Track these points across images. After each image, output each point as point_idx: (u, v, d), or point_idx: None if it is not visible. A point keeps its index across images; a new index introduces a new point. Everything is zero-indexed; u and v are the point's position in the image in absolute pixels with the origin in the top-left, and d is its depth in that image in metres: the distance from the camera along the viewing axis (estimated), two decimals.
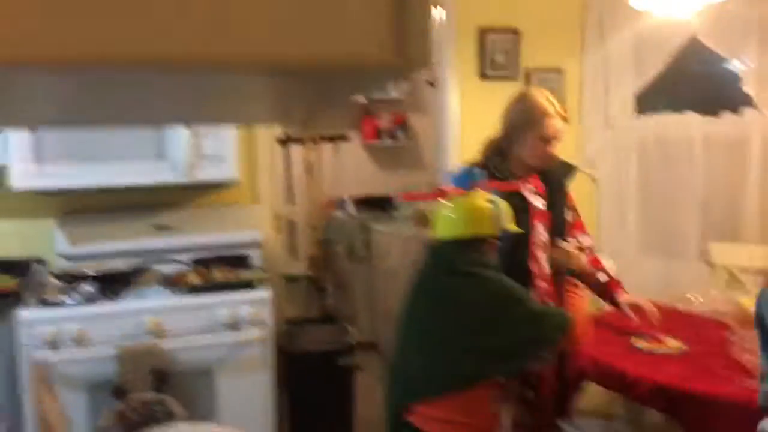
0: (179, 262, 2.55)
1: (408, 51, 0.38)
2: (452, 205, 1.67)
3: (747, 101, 2.65)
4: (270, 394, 2.29)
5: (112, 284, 2.33)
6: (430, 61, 0.39)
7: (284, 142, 4.86)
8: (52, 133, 2.30)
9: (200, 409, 2.18)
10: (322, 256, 4.70)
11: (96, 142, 2.36)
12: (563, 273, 2.04)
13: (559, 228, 2.14)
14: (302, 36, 0.37)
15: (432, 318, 1.64)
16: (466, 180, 1.73)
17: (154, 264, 2.58)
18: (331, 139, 5.08)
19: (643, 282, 3.06)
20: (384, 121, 5.06)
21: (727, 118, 2.76)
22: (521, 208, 2.02)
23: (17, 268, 2.44)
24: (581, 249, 2.19)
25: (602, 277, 2.14)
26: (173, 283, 2.33)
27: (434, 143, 3.41)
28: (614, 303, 2.11)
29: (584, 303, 1.92)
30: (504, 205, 1.68)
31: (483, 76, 3.15)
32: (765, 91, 2.57)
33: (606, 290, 2.13)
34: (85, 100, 0.51)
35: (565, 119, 2.09)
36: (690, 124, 2.90)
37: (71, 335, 2.07)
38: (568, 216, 2.18)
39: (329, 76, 0.44)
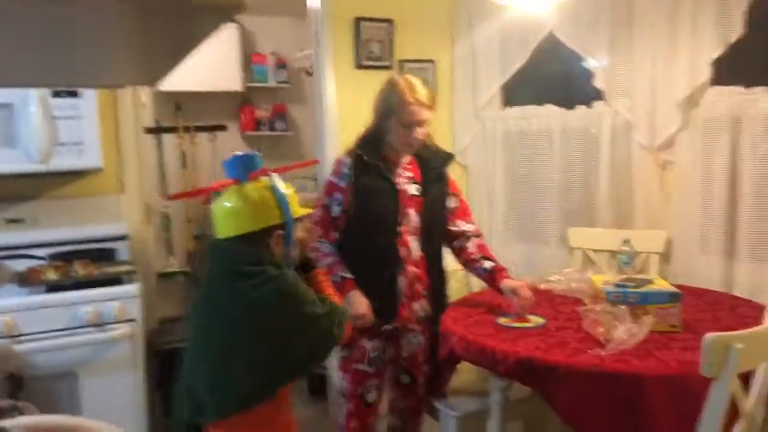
0: (34, 257, 2.36)
1: None
2: (226, 198, 1.47)
3: (598, 96, 2.88)
4: (140, 393, 2.18)
5: None
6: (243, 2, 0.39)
7: (155, 130, 4.64)
8: None
9: (63, 413, 2.04)
10: (199, 250, 4.55)
11: None
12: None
13: (435, 214, 2.21)
14: None
15: (214, 327, 1.45)
16: (240, 168, 1.48)
17: (6, 261, 2.37)
18: (208, 128, 4.92)
19: (510, 264, 3.25)
20: (263, 111, 4.97)
21: (581, 111, 2.99)
22: (390, 192, 2.07)
23: None
24: (463, 235, 2.27)
25: (488, 264, 2.25)
26: (28, 281, 2.15)
27: (313, 133, 3.40)
28: (498, 289, 2.21)
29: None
30: (291, 191, 1.52)
31: (359, 66, 3.19)
32: (613, 87, 2.80)
33: (491, 277, 2.24)
34: None
35: (427, 106, 2.11)
36: (550, 116, 3.10)
37: None
38: (450, 202, 2.27)
39: (154, 19, 0.43)
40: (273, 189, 1.46)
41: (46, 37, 0.49)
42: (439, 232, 2.27)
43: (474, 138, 3.38)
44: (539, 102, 3.18)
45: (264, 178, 1.47)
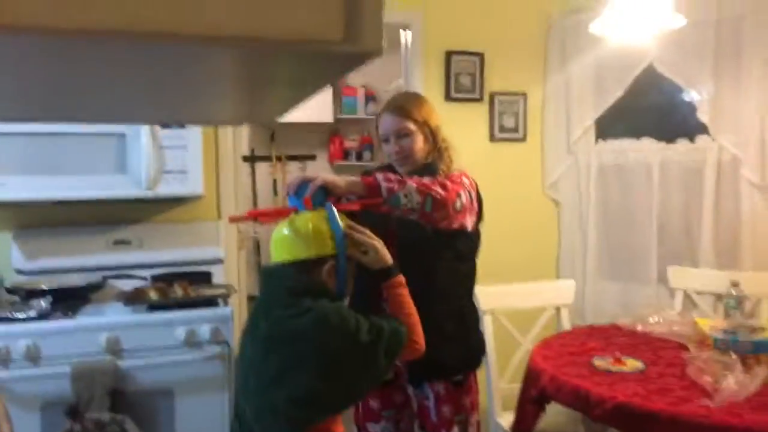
0: (138, 278, 2.49)
1: (360, 35, 0.38)
2: (284, 225, 1.47)
3: (702, 129, 2.74)
4: (231, 412, 2.23)
5: (68, 300, 2.26)
6: (381, 49, 0.39)
7: (250, 159, 4.84)
8: (8, 144, 2.24)
9: (159, 429, 2.12)
10: None
11: (54, 154, 2.30)
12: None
13: (411, 241, 1.80)
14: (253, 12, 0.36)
15: (257, 356, 1.43)
16: (300, 196, 1.49)
17: (112, 280, 2.52)
18: (298, 157, 5.09)
19: (603, 304, 3.12)
20: (351, 142, 5.09)
21: (683, 145, 2.85)
22: (380, 222, 1.72)
23: None
24: None
25: None
26: (132, 300, 2.27)
27: None
28: None
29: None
30: (345, 222, 1.48)
31: (448, 98, 3.20)
32: (719, 120, 2.67)
33: None
34: (42, 90, 0.50)
35: (403, 115, 1.82)
36: (648, 150, 2.98)
37: (23, 352, 2.00)
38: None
39: (283, 65, 0.44)
40: (329, 220, 1.46)
41: (172, 78, 0.51)
42: (422, 258, 1.81)
43: (566, 172, 3.30)
44: (636, 135, 3.07)
45: (322, 210, 1.47)
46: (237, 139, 3.01)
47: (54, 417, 2.00)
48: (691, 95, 2.78)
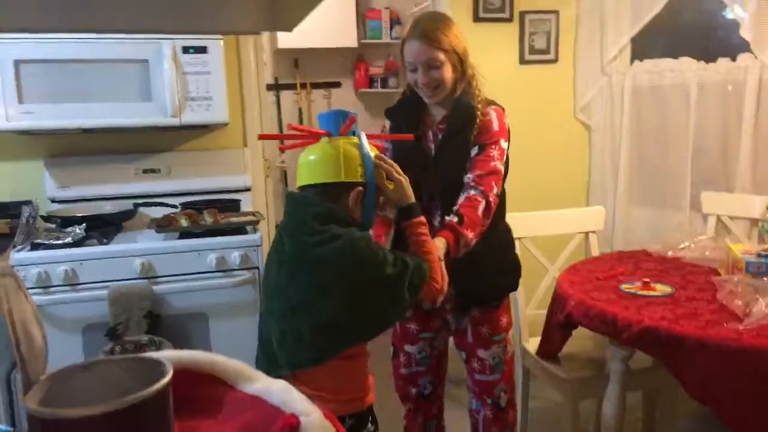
0: (168, 205, 2.53)
1: None
2: (312, 149, 1.43)
3: (744, 47, 2.60)
4: None
5: (101, 227, 2.31)
6: None
7: (274, 87, 4.79)
8: (36, 73, 2.24)
9: (195, 350, 2.20)
10: None
11: (80, 82, 2.30)
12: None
13: (450, 173, 1.82)
14: None
15: (282, 283, 1.42)
16: (333, 123, 1.44)
17: (143, 207, 2.56)
18: (322, 85, 5.01)
19: (633, 231, 3.09)
20: (376, 68, 4.98)
21: (723, 65, 2.72)
22: (415, 159, 1.82)
23: (8, 210, 2.42)
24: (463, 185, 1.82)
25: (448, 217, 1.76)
26: (163, 227, 2.32)
27: None
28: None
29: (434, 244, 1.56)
30: (375, 152, 1.46)
31: (477, 18, 3.08)
32: (762, 37, 2.52)
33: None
34: (76, 3, 0.48)
35: (430, 42, 1.73)
36: (686, 70, 2.86)
37: (62, 276, 2.07)
38: (473, 152, 1.81)
39: None
40: (360, 147, 1.42)
41: None
42: (458, 191, 1.81)
43: (598, 93, 3.19)
44: (674, 55, 2.93)
45: (353, 136, 1.44)
46: (260, 66, 2.96)
47: (95, 339, 2.09)
48: (734, 11, 2.62)
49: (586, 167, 3.30)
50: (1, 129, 2.26)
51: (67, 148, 2.62)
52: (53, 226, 2.29)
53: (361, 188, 1.42)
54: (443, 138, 1.83)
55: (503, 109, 1.89)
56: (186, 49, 2.37)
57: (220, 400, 0.81)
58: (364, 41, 4.81)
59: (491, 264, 1.91)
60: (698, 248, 2.22)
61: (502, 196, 1.95)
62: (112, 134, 2.62)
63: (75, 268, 2.09)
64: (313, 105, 5.01)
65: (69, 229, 2.22)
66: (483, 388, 2.00)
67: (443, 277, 1.53)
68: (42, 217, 2.35)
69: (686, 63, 2.87)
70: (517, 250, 2.44)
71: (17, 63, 2.22)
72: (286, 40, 4.54)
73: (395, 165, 1.51)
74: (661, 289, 1.94)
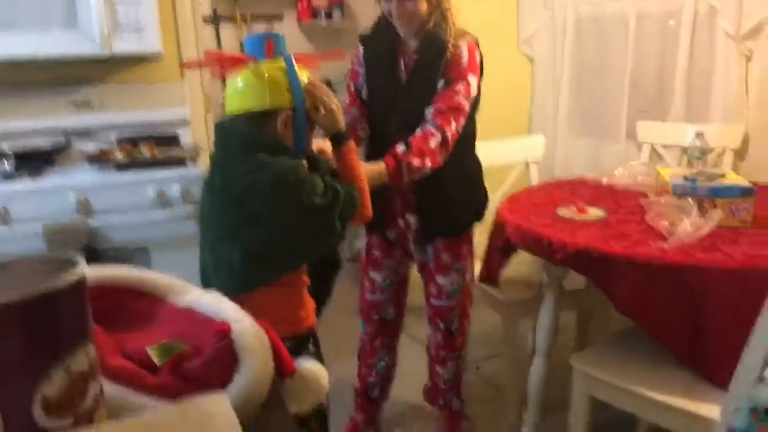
0: (103, 140, 2.45)
1: None
2: (238, 75, 1.39)
3: None
4: None
5: (32, 162, 2.22)
6: None
7: (213, 20, 4.60)
8: None
9: None
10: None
11: (2, 9, 2.15)
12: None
13: (416, 103, 1.80)
14: None
15: (214, 213, 1.43)
16: (260, 47, 1.39)
17: (76, 142, 2.47)
18: (265, 17, 4.84)
19: (572, 161, 3.17)
20: (320, 0, 4.82)
21: None
22: (388, 86, 1.84)
23: None
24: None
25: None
26: (98, 161, 2.24)
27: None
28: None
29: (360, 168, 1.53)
30: (305, 76, 1.43)
31: None
32: None
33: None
34: None
35: None
36: (625, 0, 2.88)
37: None
38: (439, 85, 1.79)
39: None
40: (287, 71, 1.38)
41: None
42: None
43: (541, 26, 3.20)
44: None
45: (281, 60, 1.39)
46: None
47: None
48: None
49: (528, 99, 3.34)
50: None
51: None
52: None
53: (289, 113, 1.39)
54: (412, 70, 1.82)
55: (476, 42, 1.86)
56: None
57: (150, 313, 0.81)
58: None
59: (458, 196, 1.95)
60: (631, 174, 2.30)
61: (472, 129, 1.95)
62: (38, 65, 2.48)
63: (6, 205, 2.02)
64: None
65: None
66: (437, 313, 2.07)
67: (368, 206, 1.51)
68: None
69: None
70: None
71: None
72: None
73: (326, 90, 1.47)
74: (594, 213, 2.02)
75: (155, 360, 0.70)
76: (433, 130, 1.73)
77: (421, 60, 1.80)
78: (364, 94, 1.93)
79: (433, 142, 1.72)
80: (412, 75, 1.83)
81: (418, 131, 1.74)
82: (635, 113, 2.92)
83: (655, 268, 1.66)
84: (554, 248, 1.82)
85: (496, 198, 2.58)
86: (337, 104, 1.49)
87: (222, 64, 1.43)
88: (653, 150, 2.70)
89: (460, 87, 1.77)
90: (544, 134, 3.03)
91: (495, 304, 2.32)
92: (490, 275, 2.30)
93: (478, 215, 2.07)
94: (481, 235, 2.52)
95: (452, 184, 1.90)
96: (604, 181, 2.37)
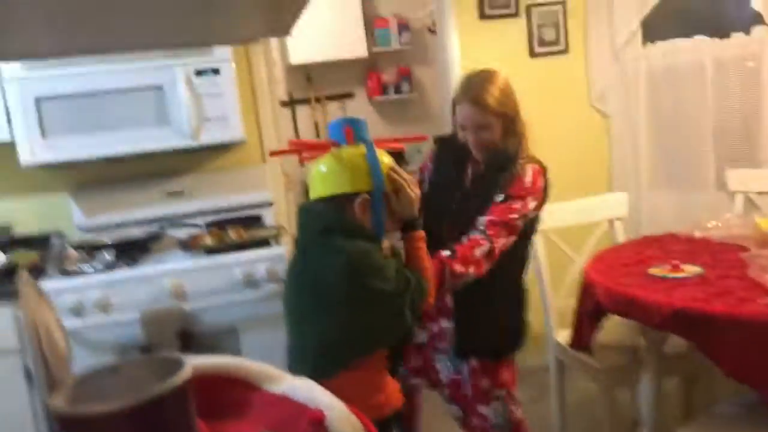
0: (193, 225, 2.58)
1: None
2: (321, 160, 1.43)
3: (757, 19, 2.56)
4: None
5: (129, 251, 2.36)
6: None
7: (289, 103, 4.85)
8: (56, 108, 2.31)
9: None
10: None
11: (99, 113, 2.36)
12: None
13: (470, 213, 1.79)
14: None
15: (291, 295, 1.46)
16: (341, 131, 1.43)
17: (169, 229, 2.61)
18: (337, 97, 5.06)
19: (659, 215, 3.04)
20: (388, 75, 5.00)
21: (737, 39, 2.68)
22: (451, 187, 1.87)
23: (37, 243, 2.49)
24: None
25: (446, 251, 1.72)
26: (190, 247, 2.36)
27: (439, 92, 3.36)
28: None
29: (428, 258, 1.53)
30: (387, 161, 1.44)
31: (483, 16, 3.08)
32: None
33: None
34: (78, 25, 0.51)
35: (482, 107, 1.77)
36: (700, 48, 2.82)
37: (94, 302, 2.12)
38: (498, 198, 1.78)
39: None
40: (368, 156, 1.39)
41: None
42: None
43: (613, 81, 3.16)
44: (686, 34, 2.90)
45: (362, 145, 1.41)
46: (272, 82, 3.00)
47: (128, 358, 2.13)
48: None
49: (606, 155, 3.26)
50: (27, 164, 2.33)
51: (92, 177, 2.68)
52: (83, 253, 2.35)
53: (366, 196, 1.39)
54: (475, 178, 1.85)
55: (544, 168, 1.87)
56: (199, 72, 2.42)
57: (247, 402, 0.82)
58: (374, 50, 4.84)
59: (502, 316, 1.87)
60: (726, 227, 2.18)
61: (526, 250, 1.91)
62: (134, 160, 2.67)
63: (106, 293, 2.14)
64: (329, 118, 5.05)
65: (98, 256, 2.28)
66: None
67: (433, 291, 1.52)
68: (71, 246, 2.41)
69: (700, 41, 2.83)
70: (537, 246, 2.43)
71: (38, 100, 2.29)
72: (297, 55, 4.60)
73: (407, 177, 1.48)
74: (690, 269, 1.91)
75: None
76: (482, 239, 1.71)
77: (486, 170, 1.83)
78: (426, 187, 1.94)
79: (479, 252, 1.70)
80: (474, 183, 1.85)
81: (465, 239, 1.72)
82: (722, 161, 2.80)
83: (764, 326, 1.54)
84: (650, 310, 1.73)
85: (580, 259, 2.50)
86: (417, 193, 1.49)
87: (306, 151, 1.50)
88: (747, 199, 2.56)
89: (516, 205, 1.76)
90: (626, 189, 2.94)
91: (590, 371, 2.20)
92: (581, 342, 2.20)
93: (519, 343, 1.91)
94: (567, 299, 2.44)
95: (499, 303, 1.85)
96: (697, 235, 2.25)
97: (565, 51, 3.18)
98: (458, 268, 1.66)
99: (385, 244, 1.49)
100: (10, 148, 2.33)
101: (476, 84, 1.80)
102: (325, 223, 1.40)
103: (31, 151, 2.31)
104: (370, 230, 1.41)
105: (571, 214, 2.56)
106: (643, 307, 1.75)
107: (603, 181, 3.26)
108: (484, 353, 1.85)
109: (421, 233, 1.51)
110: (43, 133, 2.31)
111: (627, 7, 3.03)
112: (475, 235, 1.72)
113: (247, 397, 0.84)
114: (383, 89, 4.98)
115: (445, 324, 1.86)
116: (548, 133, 3.17)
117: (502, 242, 1.72)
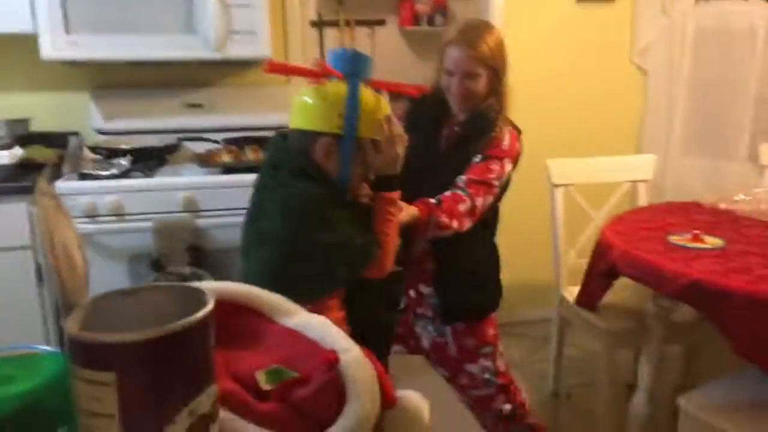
0: (211, 140, 2.54)
1: None
2: (304, 90, 1.29)
3: None
4: None
5: (146, 160, 2.34)
6: None
7: (318, 24, 4.69)
8: (81, 2, 2.23)
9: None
10: None
11: (124, 13, 2.28)
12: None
13: (448, 174, 1.73)
14: None
15: (246, 222, 1.38)
16: (344, 63, 1.29)
17: (186, 142, 2.58)
18: (367, 23, 4.88)
19: (685, 182, 2.98)
20: (423, 5, 4.81)
21: None
22: (422, 152, 1.74)
23: (55, 140, 2.47)
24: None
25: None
26: (206, 162, 2.33)
27: None
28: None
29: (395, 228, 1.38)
30: (384, 107, 1.32)
31: None
32: None
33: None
34: None
35: (473, 54, 1.67)
36: (754, 13, 2.67)
37: (108, 207, 2.11)
38: (476, 159, 1.72)
39: None
40: (349, 95, 1.26)
41: None
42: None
43: (658, 36, 3.02)
44: None
45: (346, 82, 1.27)
46: (304, 1, 2.89)
47: (139, 269, 2.15)
48: None
49: (638, 114, 3.16)
50: (48, 58, 2.27)
51: (112, 79, 2.63)
52: (100, 157, 2.33)
53: (331, 139, 1.27)
54: (454, 142, 1.77)
55: (519, 132, 1.79)
56: None
57: (258, 332, 0.81)
58: None
59: (481, 279, 1.85)
60: (754, 201, 2.12)
61: (495, 215, 1.86)
62: (156, 67, 2.61)
63: (121, 199, 2.13)
64: (356, 43, 4.90)
65: (115, 161, 2.26)
66: (478, 403, 1.85)
67: (390, 261, 1.36)
68: (89, 147, 2.39)
69: (756, 6, 2.68)
70: (556, 200, 2.40)
71: None
72: None
73: (399, 131, 1.35)
74: (711, 241, 1.87)
75: (263, 385, 0.69)
76: (464, 196, 1.65)
77: (464, 133, 1.75)
78: None
79: (463, 207, 1.64)
80: (452, 146, 1.77)
81: (449, 192, 1.66)
82: (758, 133, 2.70)
83: None
84: (666, 279, 1.70)
85: (599, 217, 2.46)
86: (401, 152, 1.36)
87: (298, 76, 1.37)
88: None
89: (495, 166, 1.70)
90: (654, 151, 2.86)
91: (593, 330, 2.21)
92: (588, 301, 2.20)
93: (496, 304, 1.89)
94: (579, 256, 2.42)
95: (478, 266, 1.82)
96: (722, 206, 2.20)
97: (612, 0, 3.02)
98: (444, 218, 1.60)
99: (364, 191, 1.38)
100: (32, 40, 2.26)
101: (473, 29, 1.73)
102: (276, 157, 1.32)
103: (53, 45, 2.24)
104: (329, 176, 1.29)
105: (595, 171, 2.51)
106: (660, 274, 1.72)
107: (631, 140, 3.17)
108: (470, 315, 1.84)
109: (394, 196, 1.37)
110: (67, 27, 2.24)
111: None
112: (458, 192, 1.67)
113: (259, 328, 0.82)
114: (416, 19, 4.80)
115: (425, 290, 1.84)
116: (583, 86, 3.08)
117: (482, 201, 1.68)
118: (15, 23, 2.25)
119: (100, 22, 2.26)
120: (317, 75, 1.29)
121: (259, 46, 2.41)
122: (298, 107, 1.29)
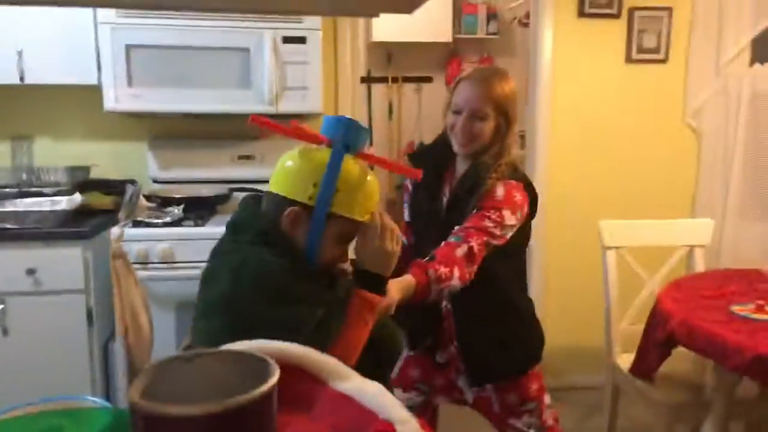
0: (260, 191, 2.57)
1: None
2: (290, 152, 1.21)
3: None
4: None
5: (197, 209, 2.38)
6: None
7: (367, 80, 4.80)
8: (145, 58, 2.33)
9: None
10: (398, 198, 4.70)
11: (185, 69, 2.38)
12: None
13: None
14: None
15: (199, 294, 1.23)
16: (335, 130, 1.20)
17: (236, 192, 2.62)
18: (414, 79, 4.97)
19: (743, 247, 2.86)
20: (470, 64, 4.88)
21: None
22: (430, 214, 1.72)
23: (113, 187, 2.55)
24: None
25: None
26: None
27: (526, 89, 3.23)
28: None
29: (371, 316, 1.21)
30: (371, 186, 1.20)
31: (582, 13, 2.94)
32: None
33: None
34: None
35: (486, 92, 1.61)
36: None
37: (160, 254, 2.14)
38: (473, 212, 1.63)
39: None
40: (328, 165, 1.14)
41: None
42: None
43: (712, 98, 2.97)
44: None
45: (331, 150, 1.17)
46: (355, 58, 2.96)
47: (186, 317, 2.15)
48: None
49: (692, 177, 3.08)
50: (111, 110, 2.36)
51: (169, 131, 2.72)
52: (154, 205, 2.38)
53: (297, 209, 1.15)
54: (450, 201, 1.69)
55: (520, 183, 1.66)
56: (286, 39, 2.40)
57: (311, 396, 0.78)
58: (458, 36, 4.73)
59: (511, 339, 1.73)
60: None
61: (521, 264, 1.79)
62: (211, 119, 2.69)
63: (173, 247, 2.17)
64: (404, 99, 4.98)
65: (168, 209, 2.31)
66: None
67: (353, 360, 1.15)
68: (144, 196, 2.45)
69: None
70: (608, 263, 2.33)
71: (128, 48, 2.32)
72: (380, 33, 4.53)
73: (391, 226, 1.23)
74: None
75: None
76: (458, 242, 1.54)
77: (460, 190, 1.66)
78: (407, 215, 1.82)
79: (459, 252, 1.52)
80: (451, 206, 1.68)
81: (442, 244, 1.55)
82: None
83: None
84: (729, 352, 1.61)
85: (653, 282, 2.37)
86: (394, 249, 1.22)
87: (292, 137, 1.25)
88: None
89: (491, 214, 1.58)
90: (709, 215, 2.77)
91: (649, 402, 2.09)
92: (644, 370, 2.09)
93: (537, 356, 1.78)
94: (632, 322, 2.32)
95: (505, 326, 1.71)
96: None
97: (664, 60, 3.00)
98: (441, 268, 1.47)
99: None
100: (96, 91, 2.37)
101: (489, 70, 1.71)
102: (238, 217, 1.23)
103: (116, 98, 2.34)
104: (295, 246, 1.17)
105: (649, 234, 2.43)
106: (722, 347, 1.63)
107: (685, 203, 3.08)
108: (498, 379, 1.74)
109: (375, 300, 1.20)
110: (130, 80, 2.34)
111: (738, 23, 2.83)
112: (449, 240, 1.56)
113: (313, 391, 0.80)
114: None
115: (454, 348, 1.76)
116: (634, 146, 3.03)
117: (478, 243, 1.55)
118: (81, 76, 2.36)
119: (161, 76, 2.36)
120: (296, 135, 1.21)
121: (311, 101, 2.47)
122: (277, 168, 1.21)
